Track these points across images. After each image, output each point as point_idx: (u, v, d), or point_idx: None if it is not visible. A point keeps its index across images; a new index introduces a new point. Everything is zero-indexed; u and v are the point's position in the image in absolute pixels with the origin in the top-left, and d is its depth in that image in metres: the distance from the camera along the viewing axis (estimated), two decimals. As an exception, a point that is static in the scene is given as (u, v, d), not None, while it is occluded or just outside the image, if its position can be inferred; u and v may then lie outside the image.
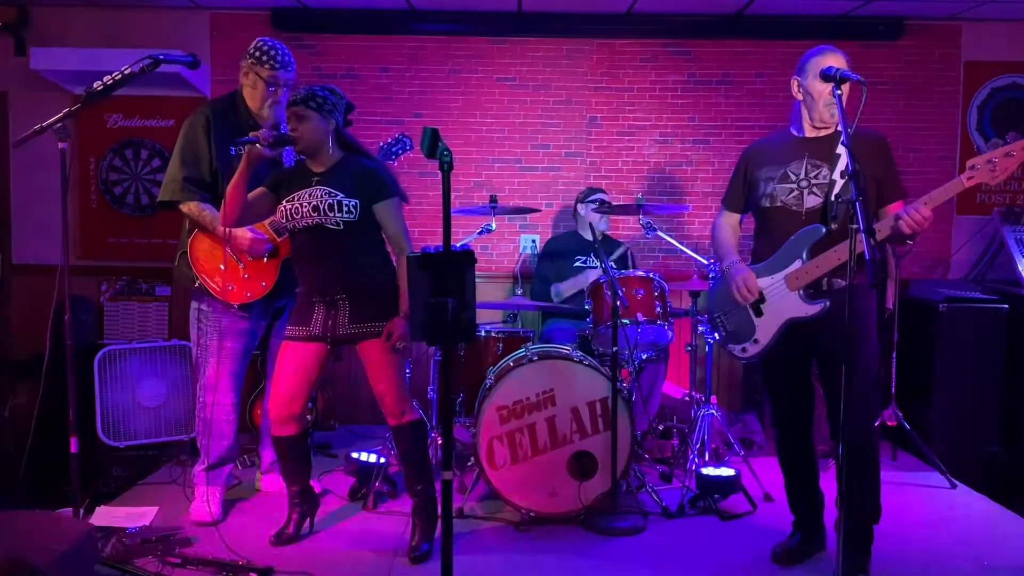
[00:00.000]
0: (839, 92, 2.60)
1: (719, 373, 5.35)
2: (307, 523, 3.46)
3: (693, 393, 4.31)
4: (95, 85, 2.96)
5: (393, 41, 5.33)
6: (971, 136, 5.33)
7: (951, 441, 4.57)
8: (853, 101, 2.86)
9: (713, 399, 4.34)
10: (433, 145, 2.05)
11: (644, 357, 4.12)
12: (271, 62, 3.52)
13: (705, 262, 4.08)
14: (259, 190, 3.29)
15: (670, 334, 4.05)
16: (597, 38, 5.31)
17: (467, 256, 2.05)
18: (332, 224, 3.17)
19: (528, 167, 5.37)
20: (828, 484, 3.28)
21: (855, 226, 2.37)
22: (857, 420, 2.96)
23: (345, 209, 3.16)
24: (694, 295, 4.28)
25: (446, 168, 2.07)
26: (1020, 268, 4.77)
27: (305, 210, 3.18)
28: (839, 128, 3.06)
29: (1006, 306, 4.63)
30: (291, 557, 3.24)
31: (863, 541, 3.03)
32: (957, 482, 4.19)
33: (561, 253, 4.73)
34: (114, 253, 5.35)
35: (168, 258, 5.27)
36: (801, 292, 3.03)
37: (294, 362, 3.27)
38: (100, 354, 4.52)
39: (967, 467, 4.41)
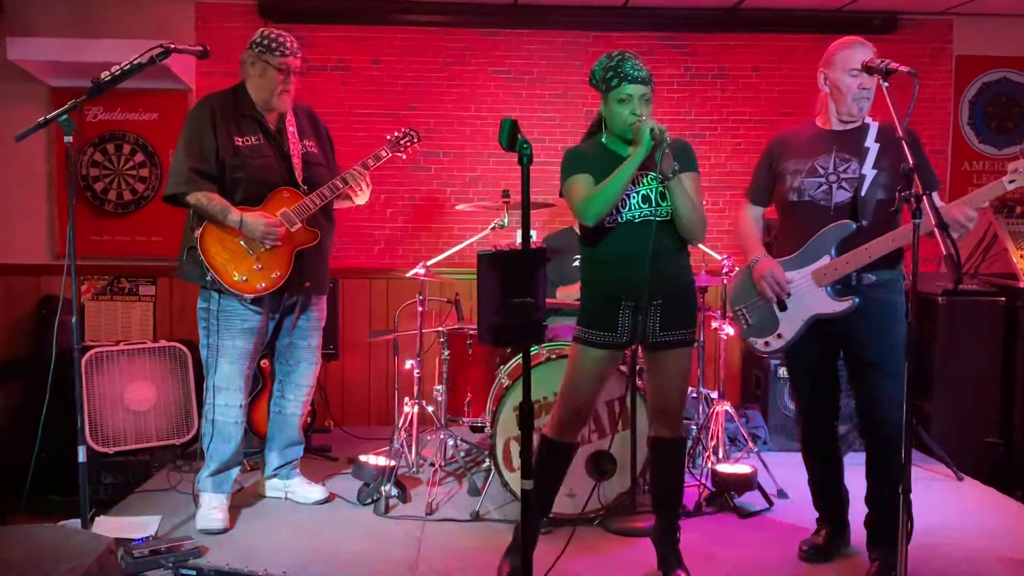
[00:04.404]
0: (886, 85, 2.56)
1: (717, 368, 5.32)
2: None
3: (702, 389, 4.27)
4: (103, 75, 2.84)
5: (385, 32, 5.21)
6: (963, 130, 5.38)
7: (951, 433, 4.60)
8: (878, 91, 2.85)
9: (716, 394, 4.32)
10: (512, 137, 1.93)
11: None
12: (281, 49, 3.43)
13: (719, 257, 4.04)
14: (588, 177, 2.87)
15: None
16: (593, 31, 5.25)
17: (540, 254, 1.95)
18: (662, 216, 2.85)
19: (524, 161, 5.28)
20: (853, 480, 3.27)
21: (919, 221, 2.33)
22: (890, 418, 2.94)
23: None
24: (702, 290, 4.24)
25: (526, 161, 1.98)
26: (1015, 260, 4.81)
27: (633, 201, 2.84)
28: (867, 121, 3.05)
29: (1003, 298, 4.67)
30: (308, 565, 3.13)
31: (895, 539, 3.00)
32: (963, 475, 4.22)
33: (558, 250, 4.65)
34: (95, 251, 5.14)
35: (153, 256, 5.15)
36: (828, 288, 3.00)
37: None
38: (86, 356, 4.34)
39: (967, 458, 4.43)
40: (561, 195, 2.95)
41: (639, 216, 2.83)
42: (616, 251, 2.86)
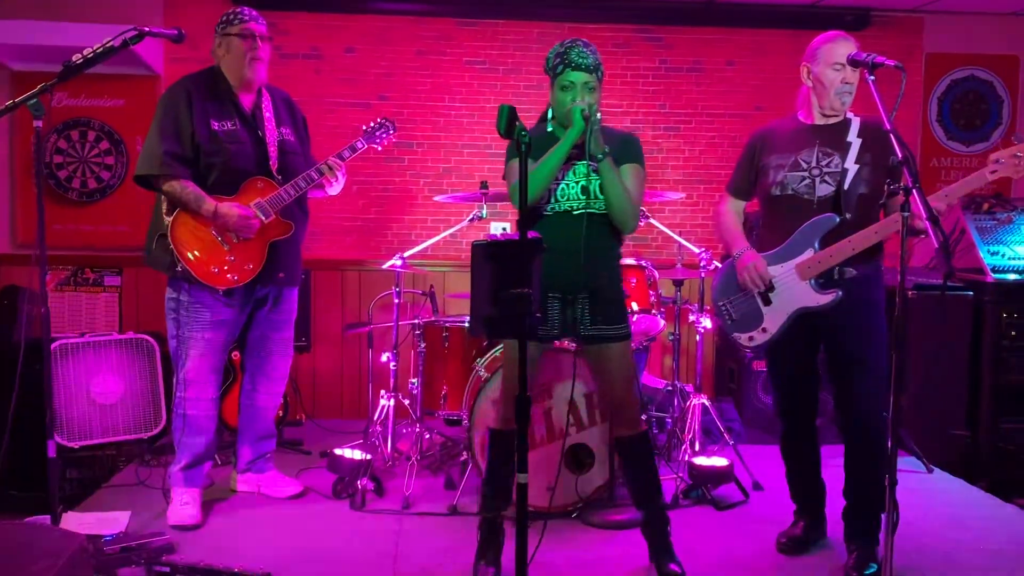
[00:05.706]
0: (872, 79, 2.56)
1: (689, 361, 5.34)
2: None
3: (677, 382, 4.28)
4: (74, 58, 2.73)
5: (358, 20, 5.14)
6: (932, 127, 5.45)
7: (919, 425, 4.65)
8: (862, 85, 2.85)
9: (690, 387, 4.32)
10: (511, 124, 1.89)
11: (635, 347, 4.05)
12: (239, 17, 3.39)
13: (696, 250, 4.04)
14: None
15: (662, 323, 4.00)
16: (568, 22, 5.23)
17: (536, 244, 1.91)
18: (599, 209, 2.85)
19: (498, 153, 5.23)
20: (829, 473, 3.28)
21: (908, 214, 2.33)
22: (867, 411, 2.96)
23: None
24: (678, 283, 4.24)
25: (523, 148, 1.93)
26: (982, 256, 4.88)
27: (572, 192, 2.84)
28: (849, 116, 3.06)
29: (971, 293, 4.74)
30: (286, 561, 3.07)
31: (872, 531, 3.02)
32: (933, 467, 4.27)
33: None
34: (59, 241, 4.99)
35: (119, 246, 5.03)
36: (812, 282, 3.01)
37: None
38: (51, 348, 4.21)
39: (934, 450, 4.49)
40: (504, 177, 2.93)
41: (577, 208, 2.83)
42: (549, 241, 2.80)
